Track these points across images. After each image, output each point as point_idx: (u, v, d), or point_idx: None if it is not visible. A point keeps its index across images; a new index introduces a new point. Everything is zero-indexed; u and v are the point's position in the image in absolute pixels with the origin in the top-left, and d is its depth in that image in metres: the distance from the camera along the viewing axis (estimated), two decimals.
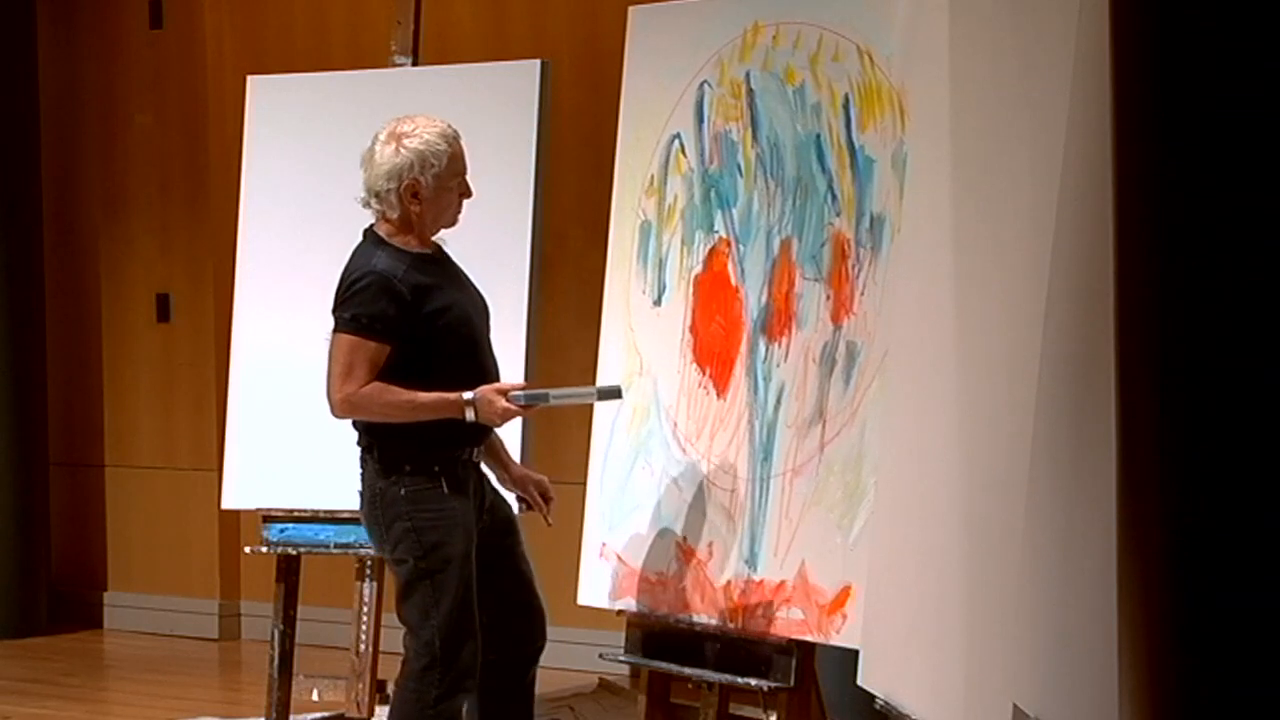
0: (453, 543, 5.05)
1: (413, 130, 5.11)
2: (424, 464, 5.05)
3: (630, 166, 5.81)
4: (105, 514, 9.15)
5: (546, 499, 5.35)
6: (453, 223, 5.20)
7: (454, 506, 5.07)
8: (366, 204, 5.17)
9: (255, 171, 6.78)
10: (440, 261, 5.20)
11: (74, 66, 9.10)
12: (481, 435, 5.17)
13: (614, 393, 5.44)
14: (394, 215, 5.11)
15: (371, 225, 5.18)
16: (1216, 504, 2.49)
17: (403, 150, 5.08)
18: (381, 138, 5.12)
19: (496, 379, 5.19)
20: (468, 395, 5.00)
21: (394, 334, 5.02)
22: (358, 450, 5.17)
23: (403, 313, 5.02)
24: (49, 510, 9.11)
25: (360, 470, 5.16)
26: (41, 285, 9.03)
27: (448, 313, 5.07)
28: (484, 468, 5.28)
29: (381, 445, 5.08)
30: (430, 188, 5.08)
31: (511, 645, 5.25)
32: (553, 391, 5.27)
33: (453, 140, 5.13)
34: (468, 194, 5.20)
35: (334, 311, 5.08)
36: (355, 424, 5.13)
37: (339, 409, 5.06)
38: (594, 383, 5.73)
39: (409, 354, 5.03)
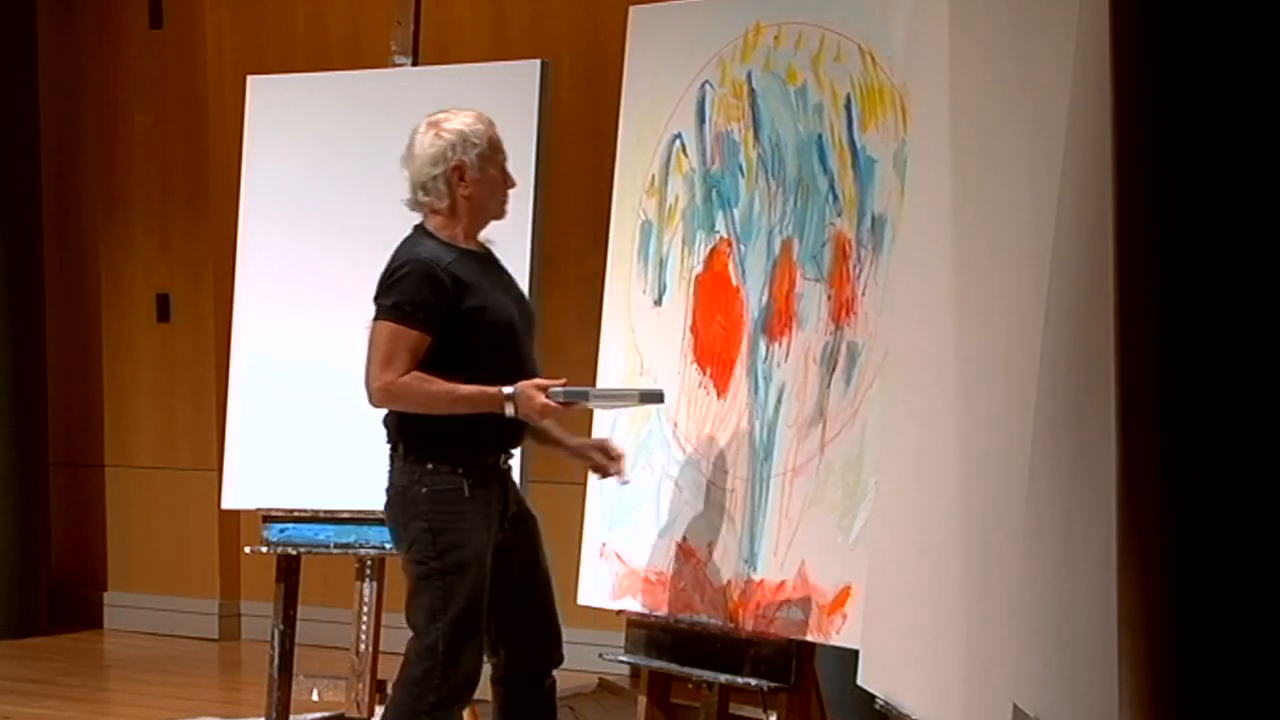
0: (468, 546, 5.01)
1: (447, 117, 5.14)
2: (448, 465, 5.00)
3: (631, 166, 5.81)
4: (105, 514, 9.15)
5: (613, 457, 5.32)
6: (500, 214, 5.18)
7: (474, 511, 5.02)
8: (414, 204, 5.13)
9: (255, 171, 6.78)
10: (486, 261, 5.17)
11: (74, 66, 9.10)
12: (511, 441, 5.12)
13: (656, 396, 5.37)
14: (443, 205, 5.10)
15: (420, 221, 5.16)
16: (1216, 505, 2.48)
17: (442, 135, 5.09)
18: (420, 130, 5.14)
19: None
20: (508, 390, 4.95)
21: (435, 323, 4.97)
22: (387, 448, 5.12)
23: (443, 302, 4.99)
24: (49, 510, 9.11)
25: (388, 467, 5.12)
26: (41, 285, 9.03)
27: (486, 311, 5.04)
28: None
29: (407, 443, 5.03)
30: (475, 168, 5.08)
31: (525, 659, 5.22)
32: (592, 391, 5.25)
33: (489, 123, 5.15)
34: (512, 183, 5.19)
35: (375, 299, 5.05)
36: (385, 421, 5.08)
37: (377, 397, 4.99)
38: (593, 383, 5.72)
39: (448, 347, 4.99)
